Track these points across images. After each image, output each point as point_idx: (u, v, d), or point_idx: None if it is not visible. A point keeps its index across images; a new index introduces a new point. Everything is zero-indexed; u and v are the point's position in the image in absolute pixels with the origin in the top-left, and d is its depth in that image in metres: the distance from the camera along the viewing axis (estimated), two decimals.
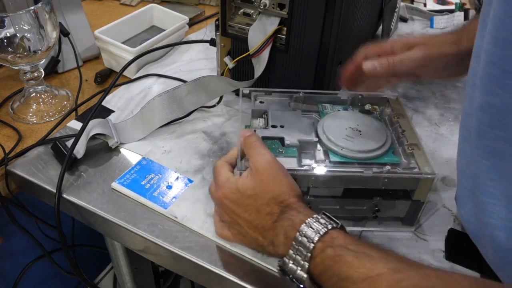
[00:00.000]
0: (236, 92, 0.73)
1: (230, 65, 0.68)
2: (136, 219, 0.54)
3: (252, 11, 0.64)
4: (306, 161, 0.51)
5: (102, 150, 0.64)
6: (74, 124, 0.67)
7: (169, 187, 0.57)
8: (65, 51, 0.77)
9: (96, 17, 0.93)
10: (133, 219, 0.54)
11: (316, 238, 0.40)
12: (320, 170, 0.49)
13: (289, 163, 0.50)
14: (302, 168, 0.49)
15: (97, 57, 0.83)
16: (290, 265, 0.41)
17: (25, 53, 0.64)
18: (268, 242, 0.44)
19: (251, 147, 0.48)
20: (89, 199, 0.56)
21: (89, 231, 0.68)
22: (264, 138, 0.53)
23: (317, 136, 0.53)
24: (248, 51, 0.64)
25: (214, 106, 0.70)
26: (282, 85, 0.66)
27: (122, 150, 0.64)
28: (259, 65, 0.65)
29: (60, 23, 0.71)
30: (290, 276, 0.41)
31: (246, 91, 0.60)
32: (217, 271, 0.49)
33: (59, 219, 0.56)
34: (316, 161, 0.51)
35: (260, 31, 0.63)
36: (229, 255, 0.51)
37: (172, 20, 0.85)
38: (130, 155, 0.63)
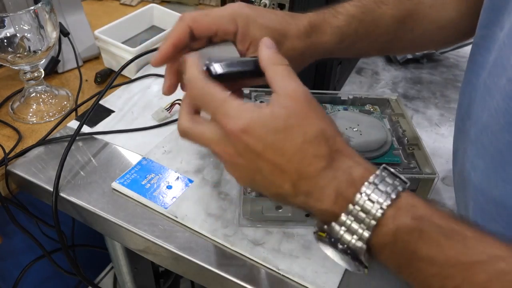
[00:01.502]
0: None
1: None
2: (136, 219, 0.54)
3: None
4: None
5: (102, 150, 0.64)
6: (74, 124, 0.67)
7: (169, 187, 0.57)
8: (65, 51, 0.77)
9: (96, 17, 0.93)
10: (133, 219, 0.54)
11: (387, 203, 0.30)
12: None
13: None
14: None
15: (97, 57, 0.83)
16: (342, 232, 0.32)
17: (25, 53, 0.64)
18: (300, 193, 0.33)
19: (284, 71, 0.35)
20: (89, 199, 0.56)
21: (89, 231, 0.68)
22: None
23: None
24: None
25: None
26: None
27: (122, 150, 0.64)
28: None
29: (60, 23, 0.71)
30: (339, 245, 0.32)
31: (246, 91, 0.60)
32: (217, 271, 0.49)
33: (57, 219, 0.56)
34: None
35: None
36: (229, 255, 0.51)
37: (172, 20, 0.85)
38: (130, 155, 0.63)
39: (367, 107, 0.60)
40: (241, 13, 0.42)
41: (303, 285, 0.48)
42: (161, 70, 0.79)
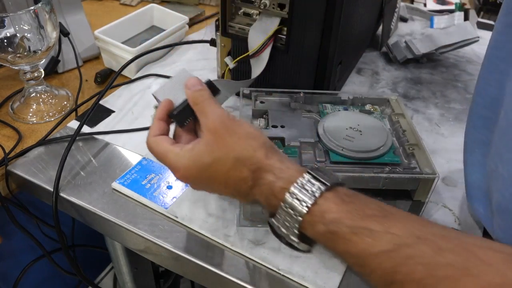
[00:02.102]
0: (237, 92, 0.73)
1: (231, 65, 0.68)
2: (137, 219, 0.54)
3: (253, 11, 0.64)
4: (306, 161, 0.51)
5: (102, 150, 0.64)
6: (74, 124, 0.67)
7: (170, 187, 0.57)
8: (65, 51, 0.77)
9: (96, 17, 0.93)
10: (133, 219, 0.54)
11: (304, 211, 0.35)
12: None
13: None
14: None
15: (97, 57, 0.83)
16: (281, 228, 0.38)
17: (25, 53, 0.64)
18: (245, 198, 0.40)
19: (201, 103, 0.41)
20: (90, 199, 0.56)
21: (89, 231, 0.68)
22: None
23: (318, 136, 0.53)
24: (249, 51, 0.64)
25: None
26: (282, 85, 0.66)
27: (122, 150, 0.64)
28: (258, 65, 0.65)
29: (60, 23, 0.71)
30: (281, 236, 0.38)
31: (247, 91, 0.60)
32: (217, 271, 0.49)
33: (57, 219, 0.56)
34: (317, 161, 0.51)
35: (260, 31, 0.63)
36: (229, 255, 0.51)
37: (172, 20, 0.85)
38: (131, 155, 0.63)
39: (367, 107, 0.60)
40: None
41: (304, 285, 0.48)
42: (161, 70, 0.80)
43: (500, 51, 0.45)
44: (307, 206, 0.35)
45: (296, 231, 0.37)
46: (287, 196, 0.36)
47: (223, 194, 0.42)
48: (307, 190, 0.36)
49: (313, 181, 0.36)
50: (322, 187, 0.36)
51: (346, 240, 0.34)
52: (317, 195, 0.35)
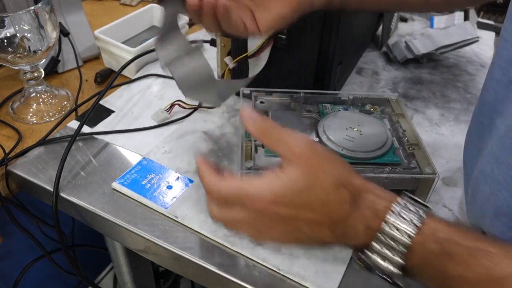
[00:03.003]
0: (237, 92, 0.73)
1: (231, 65, 0.68)
2: (137, 219, 0.54)
3: None
4: None
5: (102, 150, 0.64)
6: (74, 124, 0.67)
7: (170, 187, 0.57)
8: (65, 51, 0.77)
9: (96, 17, 0.93)
10: (133, 219, 0.54)
11: (414, 232, 0.33)
12: None
13: None
14: None
15: (97, 57, 0.83)
16: (376, 259, 0.35)
17: (25, 53, 0.64)
18: (338, 236, 0.36)
19: (274, 132, 0.38)
20: (90, 200, 0.56)
21: (89, 231, 0.68)
22: None
23: (318, 136, 0.53)
24: (248, 51, 0.64)
25: (214, 106, 0.70)
26: (282, 85, 0.66)
27: (122, 150, 0.64)
28: (257, 65, 0.65)
29: (60, 23, 0.71)
30: (376, 270, 0.35)
31: (247, 91, 0.60)
32: (217, 271, 0.49)
33: (57, 219, 0.56)
34: None
35: None
36: (229, 255, 0.51)
37: None
38: (131, 155, 0.63)
39: (367, 107, 0.60)
40: None
41: (304, 285, 0.48)
42: (161, 70, 0.79)
43: (500, 59, 0.46)
44: (415, 225, 0.33)
45: (399, 258, 0.33)
46: (391, 216, 0.34)
47: (303, 231, 0.37)
48: (411, 210, 0.34)
49: (412, 202, 0.35)
50: (424, 208, 0.34)
51: (462, 262, 0.31)
52: (422, 214, 0.34)
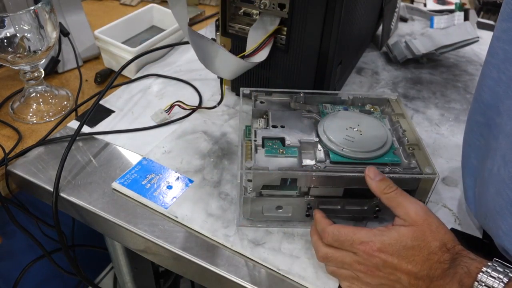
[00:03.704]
0: (237, 92, 0.73)
1: None
2: (137, 219, 0.54)
3: (253, 11, 0.64)
4: (306, 161, 0.51)
5: (102, 150, 0.64)
6: (74, 124, 0.67)
7: (170, 187, 0.57)
8: (65, 51, 0.77)
9: (96, 17, 0.93)
10: (133, 219, 0.54)
11: (501, 286, 0.38)
12: (321, 170, 0.49)
13: (290, 163, 0.50)
14: (302, 168, 0.49)
15: (97, 57, 0.83)
16: None
17: (25, 53, 0.64)
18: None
19: (397, 196, 0.45)
20: (90, 200, 0.56)
21: (89, 231, 0.68)
22: (265, 139, 0.53)
23: (318, 136, 0.53)
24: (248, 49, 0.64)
25: (214, 107, 0.69)
26: (282, 85, 0.66)
27: (122, 150, 0.64)
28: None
29: (60, 23, 0.71)
30: None
31: (247, 91, 0.60)
32: (217, 271, 0.49)
33: (57, 219, 0.56)
34: (317, 161, 0.51)
35: (260, 31, 0.63)
36: (229, 255, 0.51)
37: (172, 20, 0.85)
38: (131, 155, 0.63)
39: (367, 107, 0.60)
40: None
41: (304, 286, 0.48)
42: (161, 70, 0.80)
43: (493, 58, 0.46)
44: (503, 282, 0.38)
45: None
46: (481, 274, 0.39)
47: (403, 283, 0.42)
48: (499, 271, 0.39)
49: (502, 265, 0.39)
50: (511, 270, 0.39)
51: None
52: (510, 274, 0.38)
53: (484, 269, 0.39)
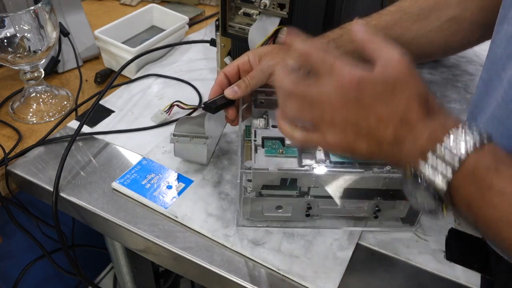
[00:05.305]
0: None
1: None
2: (137, 219, 0.54)
3: (253, 11, 0.64)
4: (306, 161, 0.51)
5: (102, 150, 0.64)
6: (74, 124, 0.67)
7: (170, 187, 0.57)
8: (65, 51, 0.77)
9: (96, 17, 0.93)
10: (133, 219, 0.54)
11: (477, 143, 0.34)
12: (321, 170, 0.49)
13: (290, 163, 0.50)
14: (302, 168, 0.49)
15: (97, 57, 0.83)
16: (428, 169, 0.35)
17: (25, 53, 0.64)
18: (398, 138, 0.37)
19: (373, 41, 0.39)
20: (90, 199, 0.56)
21: (89, 231, 0.68)
22: (265, 139, 0.53)
23: None
24: (249, 50, 0.64)
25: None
26: None
27: (122, 150, 0.64)
28: None
29: (60, 23, 0.71)
30: (423, 183, 0.36)
31: None
32: (217, 271, 0.49)
33: (57, 219, 0.56)
34: (317, 161, 0.51)
35: (260, 31, 0.63)
36: (229, 255, 0.51)
37: (172, 20, 0.85)
38: (131, 155, 0.63)
39: None
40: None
41: (303, 285, 0.48)
42: (161, 70, 0.80)
43: (486, 59, 0.46)
44: (478, 141, 0.34)
45: (450, 169, 0.34)
46: (458, 129, 0.35)
47: (367, 125, 0.38)
48: (477, 130, 0.35)
49: (480, 130, 0.35)
50: (489, 136, 0.35)
51: (508, 178, 0.33)
52: (485, 136, 0.34)
53: (461, 126, 0.35)
